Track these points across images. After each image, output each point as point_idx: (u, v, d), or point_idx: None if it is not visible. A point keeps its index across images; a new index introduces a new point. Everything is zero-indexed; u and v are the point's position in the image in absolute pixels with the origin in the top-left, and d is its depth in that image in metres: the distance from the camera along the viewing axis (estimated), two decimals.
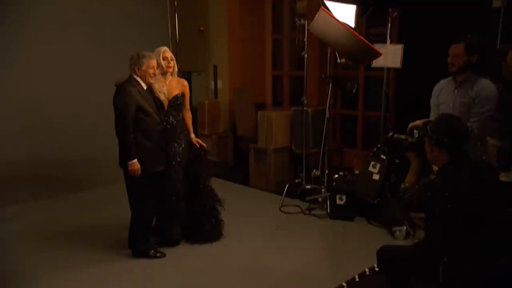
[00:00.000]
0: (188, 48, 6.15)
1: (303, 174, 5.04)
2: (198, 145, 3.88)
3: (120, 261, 3.61)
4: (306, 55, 4.78)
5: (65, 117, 5.23)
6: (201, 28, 6.36)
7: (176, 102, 3.76)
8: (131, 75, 3.47)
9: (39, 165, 5.02)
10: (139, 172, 3.39)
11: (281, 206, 4.80)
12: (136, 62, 3.43)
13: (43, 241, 4.01)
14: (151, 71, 3.46)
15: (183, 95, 3.81)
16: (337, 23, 3.92)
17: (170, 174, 3.70)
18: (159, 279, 3.36)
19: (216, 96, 6.42)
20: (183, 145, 3.78)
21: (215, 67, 6.34)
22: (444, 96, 3.21)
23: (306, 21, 4.61)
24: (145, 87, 3.49)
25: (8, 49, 4.81)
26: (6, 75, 4.81)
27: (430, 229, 2.52)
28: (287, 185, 4.99)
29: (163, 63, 3.72)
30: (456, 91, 3.12)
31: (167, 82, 3.76)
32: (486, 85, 3.02)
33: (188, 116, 3.91)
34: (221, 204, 4.00)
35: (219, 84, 6.44)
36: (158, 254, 3.66)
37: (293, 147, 5.36)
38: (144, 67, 3.43)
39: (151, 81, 3.51)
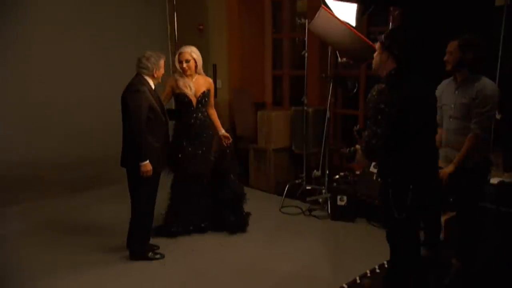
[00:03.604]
0: None
1: (304, 175, 5.04)
2: (225, 142, 4.10)
3: (119, 262, 3.60)
4: (306, 54, 4.77)
5: (64, 117, 5.22)
6: (200, 27, 6.34)
7: (204, 98, 3.94)
8: (139, 74, 3.45)
9: (37, 165, 4.99)
10: (151, 173, 3.40)
11: (281, 207, 4.79)
12: (155, 64, 3.43)
13: (41, 242, 4.00)
14: (163, 71, 3.51)
15: (209, 92, 3.99)
16: (338, 22, 3.91)
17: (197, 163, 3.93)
18: (158, 280, 3.35)
19: (215, 95, 6.40)
20: (209, 139, 4.01)
21: (214, 66, 6.32)
22: (445, 97, 3.19)
23: (307, 20, 4.60)
24: (153, 87, 3.50)
25: (7, 49, 4.80)
26: (5, 75, 4.80)
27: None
28: (287, 185, 4.98)
29: (178, 66, 3.85)
30: (456, 91, 3.10)
31: (193, 80, 3.91)
32: (487, 84, 3.00)
33: (214, 112, 4.12)
34: (245, 197, 4.18)
35: (219, 83, 6.42)
36: (156, 256, 3.65)
37: (293, 147, 5.35)
38: (161, 69, 3.49)
39: (160, 81, 3.56)
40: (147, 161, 3.37)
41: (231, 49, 6.29)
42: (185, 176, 3.95)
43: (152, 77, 3.46)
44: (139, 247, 3.63)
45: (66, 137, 5.22)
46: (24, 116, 4.96)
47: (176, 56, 3.89)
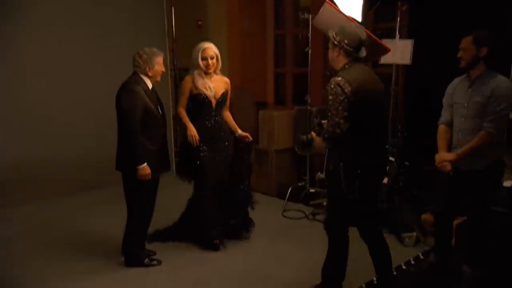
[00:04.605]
0: (185, 44, 6.09)
1: (307, 177, 5.02)
2: (247, 139, 3.94)
3: (114, 269, 3.59)
4: (310, 51, 4.75)
5: (59, 118, 5.21)
6: (199, 23, 6.33)
7: (224, 100, 3.87)
8: (136, 73, 3.41)
9: (31, 167, 4.99)
10: (150, 176, 3.36)
11: (284, 210, 4.78)
12: (147, 61, 3.36)
13: (35, 247, 4.00)
14: (160, 68, 3.41)
15: (227, 93, 3.90)
16: (343, 17, 3.89)
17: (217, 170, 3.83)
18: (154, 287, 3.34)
19: None
20: (226, 143, 3.90)
21: None
22: (457, 96, 3.18)
23: (310, 15, 4.58)
24: (150, 86, 3.44)
25: (3, 49, 4.79)
26: (0, 75, 4.80)
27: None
28: (290, 188, 4.97)
29: (201, 63, 3.72)
30: (470, 89, 3.09)
31: (212, 79, 3.80)
32: (502, 82, 2.98)
33: (228, 114, 4.02)
34: (253, 201, 4.07)
35: None
36: (153, 262, 3.64)
37: (296, 148, 5.33)
38: (156, 66, 3.38)
39: (159, 79, 3.46)
40: (145, 164, 3.33)
41: (231, 46, 6.27)
42: (204, 182, 3.84)
43: (147, 75, 3.41)
44: (135, 254, 3.61)
45: (61, 138, 5.21)
46: (18, 117, 4.96)
47: (199, 53, 3.74)
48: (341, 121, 2.68)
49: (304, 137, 3.08)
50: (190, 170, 3.91)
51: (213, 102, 3.82)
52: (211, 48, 3.75)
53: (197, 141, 3.75)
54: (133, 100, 3.29)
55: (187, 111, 3.85)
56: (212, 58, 3.74)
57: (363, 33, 2.82)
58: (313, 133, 3.04)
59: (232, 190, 3.97)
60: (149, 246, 3.79)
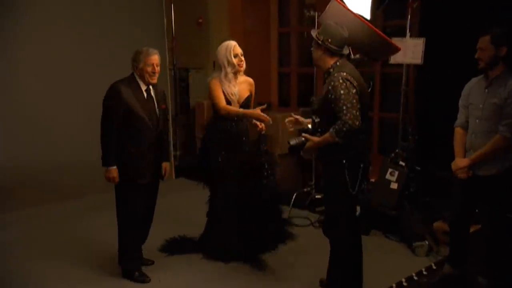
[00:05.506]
0: (186, 43, 6.12)
1: (313, 182, 5.00)
2: (258, 127, 3.80)
3: (109, 279, 3.56)
4: None
5: (58, 120, 5.20)
6: (200, 21, 6.34)
7: (247, 104, 3.77)
8: (132, 73, 3.39)
9: (30, 171, 4.97)
10: (116, 180, 3.33)
11: (288, 217, 4.74)
12: (134, 59, 3.35)
13: (28, 254, 3.98)
14: (149, 69, 3.32)
15: (251, 95, 3.82)
16: (351, 14, 3.86)
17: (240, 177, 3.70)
18: None
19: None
20: (247, 149, 3.79)
21: (215, 63, 6.31)
22: (473, 97, 3.15)
23: (316, 13, 4.57)
24: (144, 88, 3.39)
25: (1, 49, 4.79)
26: None
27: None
28: (295, 194, 4.94)
29: (234, 61, 3.66)
30: (486, 90, 3.06)
31: (237, 82, 3.71)
32: None
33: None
34: (281, 199, 3.94)
35: None
36: (141, 278, 3.53)
37: (301, 153, 5.29)
38: (141, 65, 3.32)
39: (152, 81, 3.38)
40: (113, 167, 3.29)
41: None
42: (223, 192, 3.76)
43: (139, 76, 3.37)
44: (125, 265, 3.56)
45: (60, 141, 5.19)
46: (17, 119, 4.95)
47: (230, 51, 3.66)
48: (358, 113, 2.76)
49: (295, 140, 3.12)
50: (207, 175, 3.82)
51: (237, 107, 3.71)
52: (238, 45, 3.70)
53: (268, 118, 3.66)
54: (110, 100, 3.29)
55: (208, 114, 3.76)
56: (242, 54, 3.70)
57: (346, 32, 2.93)
58: (304, 134, 3.08)
59: (257, 190, 3.75)
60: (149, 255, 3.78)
